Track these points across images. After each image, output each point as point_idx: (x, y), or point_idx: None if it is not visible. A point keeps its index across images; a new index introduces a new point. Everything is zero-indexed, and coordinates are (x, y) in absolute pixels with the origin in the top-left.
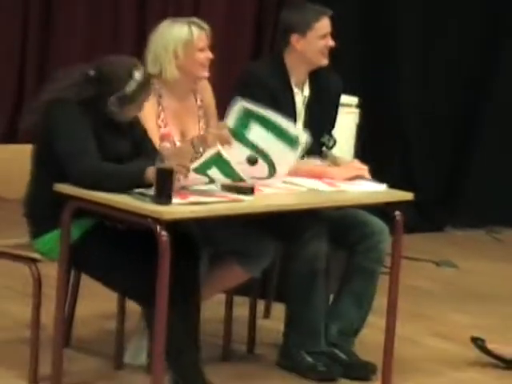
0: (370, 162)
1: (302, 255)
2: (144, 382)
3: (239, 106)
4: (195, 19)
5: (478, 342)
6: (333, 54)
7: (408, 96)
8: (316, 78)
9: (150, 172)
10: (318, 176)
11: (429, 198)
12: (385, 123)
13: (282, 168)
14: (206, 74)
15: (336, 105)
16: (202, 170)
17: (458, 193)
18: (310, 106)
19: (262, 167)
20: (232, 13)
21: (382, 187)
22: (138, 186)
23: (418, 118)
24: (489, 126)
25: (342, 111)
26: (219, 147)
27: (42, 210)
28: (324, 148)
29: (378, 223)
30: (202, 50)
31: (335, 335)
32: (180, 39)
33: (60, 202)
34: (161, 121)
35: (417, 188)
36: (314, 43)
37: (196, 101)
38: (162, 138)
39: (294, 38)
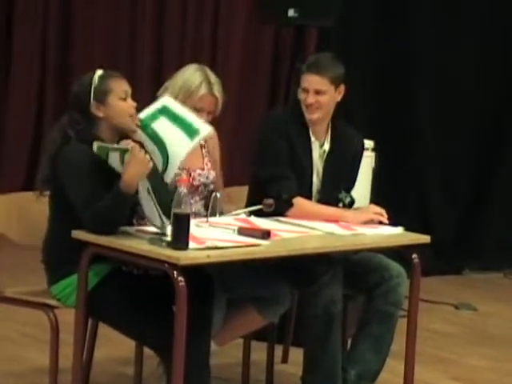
0: (386, 205)
1: (318, 300)
2: None
3: (161, 101)
4: (216, 82)
5: None
6: (348, 96)
7: (424, 139)
8: (338, 134)
9: (123, 181)
10: (335, 219)
11: (446, 241)
12: (401, 166)
13: (175, 156)
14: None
15: (357, 164)
16: (149, 119)
17: (475, 236)
18: (328, 161)
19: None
20: (247, 61)
21: (399, 230)
22: (126, 201)
23: (434, 161)
24: (507, 168)
25: None
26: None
27: (60, 256)
28: (341, 205)
29: (395, 267)
30: (198, 109)
31: (353, 379)
32: (186, 87)
33: (77, 248)
34: None
35: (433, 231)
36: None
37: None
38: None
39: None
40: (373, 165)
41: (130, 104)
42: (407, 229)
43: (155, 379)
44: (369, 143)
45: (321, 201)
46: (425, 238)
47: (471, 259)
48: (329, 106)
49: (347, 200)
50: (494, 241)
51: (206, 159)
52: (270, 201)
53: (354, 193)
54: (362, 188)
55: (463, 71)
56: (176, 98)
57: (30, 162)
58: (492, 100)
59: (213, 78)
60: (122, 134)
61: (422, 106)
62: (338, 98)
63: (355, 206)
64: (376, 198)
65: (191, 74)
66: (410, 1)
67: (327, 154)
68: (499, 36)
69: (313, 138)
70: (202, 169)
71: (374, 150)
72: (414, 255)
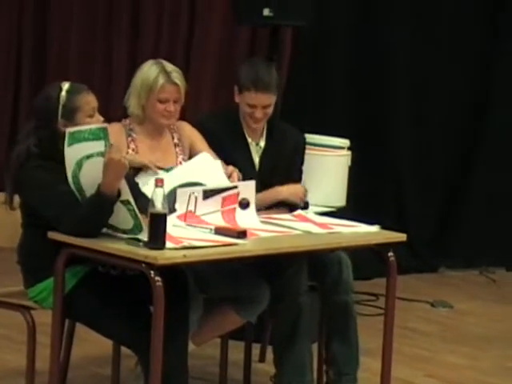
0: (362, 203)
1: (285, 292)
2: None
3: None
4: (174, 71)
5: None
6: (324, 95)
7: (400, 137)
8: (273, 129)
9: (103, 185)
10: (273, 197)
11: (422, 239)
12: (377, 165)
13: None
14: (165, 122)
15: (297, 156)
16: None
17: (451, 234)
18: (264, 157)
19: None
20: (223, 62)
21: (375, 228)
22: (107, 203)
23: (410, 160)
24: (483, 166)
25: (333, 153)
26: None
27: (36, 258)
28: (298, 209)
29: (335, 254)
30: (162, 101)
31: (336, 378)
32: (145, 82)
33: (53, 250)
34: (131, 150)
35: (410, 229)
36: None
37: (173, 138)
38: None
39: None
40: (348, 163)
41: (97, 120)
42: (383, 227)
43: (133, 379)
44: (344, 142)
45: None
46: (401, 236)
47: (447, 257)
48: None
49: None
50: (470, 238)
51: (179, 158)
52: (247, 199)
53: (330, 191)
54: (338, 187)
55: (439, 69)
56: (139, 96)
57: (3, 163)
58: (468, 97)
59: (169, 67)
60: None
61: (398, 104)
62: (276, 98)
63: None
64: (352, 197)
65: (147, 70)
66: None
67: (263, 151)
68: (475, 31)
69: (249, 139)
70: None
71: (349, 148)
72: (390, 253)
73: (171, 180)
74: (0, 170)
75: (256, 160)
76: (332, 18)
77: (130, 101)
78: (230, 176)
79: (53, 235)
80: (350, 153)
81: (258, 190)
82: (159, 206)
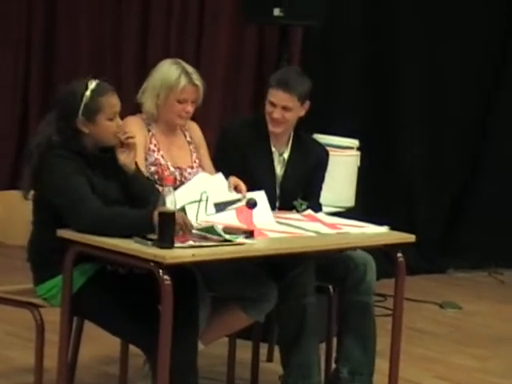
0: (371, 204)
1: (291, 292)
2: None
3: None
4: (193, 72)
5: None
6: (334, 96)
7: (410, 137)
8: (300, 145)
9: (156, 216)
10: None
11: (431, 240)
12: (386, 165)
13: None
14: (180, 122)
15: (318, 174)
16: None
17: (460, 234)
18: (286, 169)
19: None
20: (232, 62)
21: (384, 229)
22: (141, 232)
23: (419, 160)
24: (491, 169)
25: (342, 154)
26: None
27: (45, 256)
28: (294, 210)
29: (360, 255)
30: (181, 101)
31: (347, 377)
32: (166, 82)
33: (62, 248)
34: (153, 145)
35: (419, 230)
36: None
37: (185, 137)
38: (156, 164)
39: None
40: (358, 164)
41: (116, 124)
42: (392, 228)
43: (141, 378)
44: (354, 142)
45: (280, 207)
46: (410, 237)
47: (456, 258)
48: (293, 121)
49: (302, 207)
50: (478, 239)
51: (194, 156)
52: (253, 199)
53: (339, 192)
54: (347, 187)
55: (450, 68)
56: (157, 95)
57: (16, 161)
58: (479, 96)
59: (189, 68)
60: (105, 146)
61: (408, 104)
62: (303, 113)
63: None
64: (361, 198)
65: (168, 69)
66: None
67: (286, 163)
68: (487, 26)
69: (273, 149)
70: (192, 167)
71: (358, 149)
72: (399, 254)
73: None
74: (10, 169)
75: (277, 170)
76: (343, 17)
77: (146, 99)
78: (235, 188)
79: (62, 233)
80: (359, 153)
81: (279, 199)
82: (168, 205)
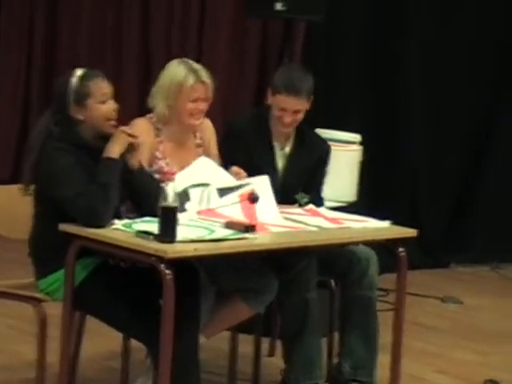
0: (373, 198)
1: (293, 287)
2: None
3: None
4: (201, 69)
5: None
6: (336, 90)
7: (413, 132)
8: (300, 137)
9: (105, 152)
10: None
11: (433, 235)
12: (389, 160)
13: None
14: (194, 122)
15: (320, 167)
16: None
17: (462, 229)
18: (288, 163)
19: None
20: (235, 55)
21: (386, 224)
22: (115, 166)
23: (422, 155)
24: (495, 163)
25: (344, 148)
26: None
27: (46, 250)
28: (297, 204)
29: (362, 250)
30: (192, 100)
31: (349, 372)
32: (174, 82)
33: (64, 242)
34: (159, 152)
35: (421, 225)
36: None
37: (195, 138)
38: (160, 172)
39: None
40: (360, 158)
41: (110, 107)
42: (394, 222)
43: (143, 372)
44: (356, 137)
45: (281, 202)
46: (411, 232)
47: (458, 253)
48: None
49: (303, 200)
50: (481, 234)
51: (200, 150)
52: (255, 194)
53: (341, 186)
54: (349, 182)
55: (455, 65)
56: (168, 97)
57: (16, 155)
58: (485, 88)
59: (196, 65)
60: (105, 134)
61: (411, 99)
62: (309, 106)
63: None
64: (363, 192)
65: (175, 69)
66: None
67: (288, 157)
68: (493, 21)
69: (275, 143)
70: None
71: (361, 143)
72: (401, 249)
73: (177, 183)
74: (12, 163)
75: (279, 165)
76: (345, 11)
77: (157, 101)
78: (237, 175)
79: (64, 227)
80: (361, 148)
81: (280, 194)
82: (170, 199)
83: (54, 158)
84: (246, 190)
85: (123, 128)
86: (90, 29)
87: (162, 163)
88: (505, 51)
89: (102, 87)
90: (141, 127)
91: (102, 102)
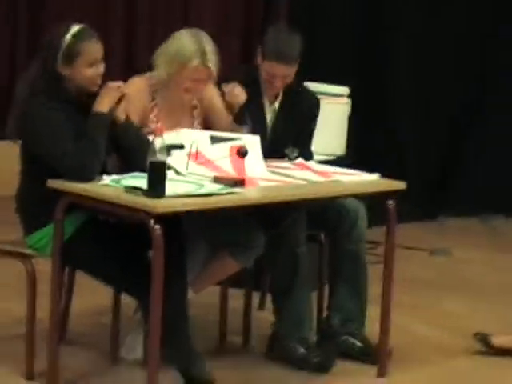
0: (362, 152)
1: (282, 242)
2: (140, 376)
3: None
4: (210, 53)
5: (482, 339)
6: (327, 44)
7: (400, 85)
8: (289, 92)
9: (95, 106)
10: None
11: (422, 187)
12: (376, 113)
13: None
14: (187, 98)
15: (309, 121)
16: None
17: (450, 182)
18: (277, 118)
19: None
20: (219, 24)
21: (375, 177)
22: (103, 121)
23: (410, 107)
24: (483, 114)
25: (333, 101)
26: None
27: (34, 206)
28: (286, 158)
29: (351, 202)
30: (192, 79)
31: (338, 324)
32: (180, 55)
33: (52, 198)
34: (153, 116)
35: (410, 177)
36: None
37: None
38: (153, 133)
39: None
40: (348, 111)
41: (97, 72)
42: (383, 175)
43: (133, 328)
44: (344, 90)
45: (270, 155)
46: (400, 185)
47: (447, 205)
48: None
49: (293, 155)
50: (469, 186)
51: (196, 122)
52: (244, 148)
53: (330, 140)
54: (337, 135)
55: (443, 60)
56: (170, 65)
57: (1, 110)
58: (472, 83)
59: (208, 47)
60: (88, 92)
61: (400, 91)
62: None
63: None
64: (352, 145)
65: (185, 42)
66: None
67: (277, 113)
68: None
69: (264, 99)
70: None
71: (349, 96)
72: (390, 201)
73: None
74: None
75: (267, 119)
76: (332, 4)
77: (159, 63)
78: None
79: (52, 183)
80: (349, 100)
81: (269, 150)
82: (158, 154)
83: (39, 115)
84: (236, 144)
85: (113, 83)
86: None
87: (154, 126)
88: (492, 43)
89: (93, 50)
90: (137, 86)
91: (90, 64)
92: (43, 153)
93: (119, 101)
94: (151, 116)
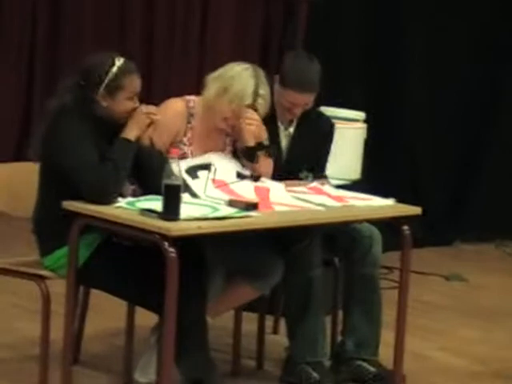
0: (377, 176)
1: (297, 265)
2: None
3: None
4: (263, 96)
5: None
6: (339, 70)
7: (415, 110)
8: (305, 117)
9: (124, 132)
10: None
11: (437, 213)
12: (392, 138)
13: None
14: (224, 128)
15: (324, 146)
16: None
17: (466, 207)
18: (293, 143)
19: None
20: (238, 34)
21: (390, 202)
22: (130, 147)
23: (425, 132)
24: (498, 139)
25: (349, 126)
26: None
27: (50, 227)
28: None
29: (366, 228)
30: (235, 114)
31: (352, 349)
32: (235, 91)
33: (68, 219)
34: (187, 139)
35: (425, 202)
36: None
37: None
38: (183, 158)
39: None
40: (364, 136)
41: (134, 105)
42: (398, 200)
43: (147, 349)
44: (360, 115)
45: (285, 179)
46: (416, 210)
47: (462, 230)
48: None
49: (308, 179)
50: (485, 212)
51: (227, 149)
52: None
53: (345, 164)
54: (353, 159)
55: (458, 43)
56: (221, 95)
57: (20, 132)
58: (488, 69)
59: (263, 90)
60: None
61: (414, 77)
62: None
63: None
64: (367, 170)
65: (244, 80)
66: None
67: (292, 137)
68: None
69: (279, 123)
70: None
71: (365, 121)
72: (405, 227)
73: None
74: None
75: (283, 143)
76: None
77: (212, 86)
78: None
79: (67, 205)
80: (365, 125)
81: (284, 174)
82: (174, 177)
83: (69, 128)
84: (261, 185)
85: (144, 108)
86: (93, 22)
87: (186, 149)
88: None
89: (136, 85)
90: (174, 109)
91: (130, 98)
92: (67, 165)
93: (148, 126)
94: (184, 139)
